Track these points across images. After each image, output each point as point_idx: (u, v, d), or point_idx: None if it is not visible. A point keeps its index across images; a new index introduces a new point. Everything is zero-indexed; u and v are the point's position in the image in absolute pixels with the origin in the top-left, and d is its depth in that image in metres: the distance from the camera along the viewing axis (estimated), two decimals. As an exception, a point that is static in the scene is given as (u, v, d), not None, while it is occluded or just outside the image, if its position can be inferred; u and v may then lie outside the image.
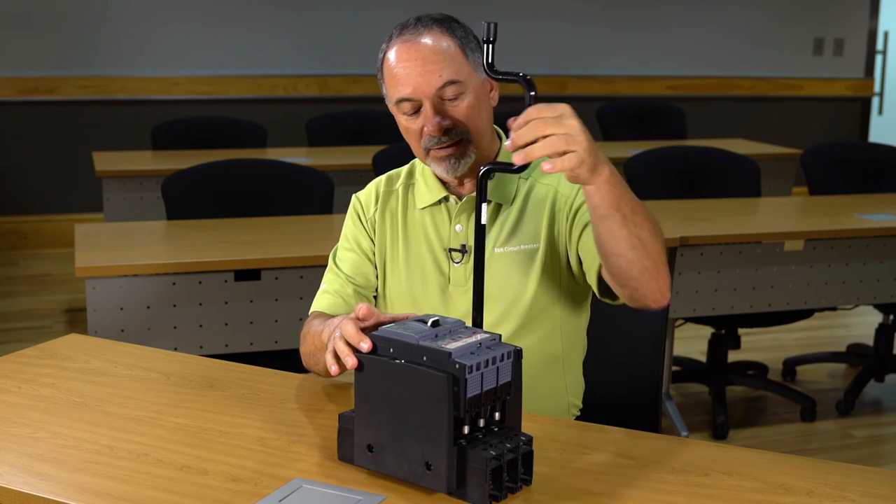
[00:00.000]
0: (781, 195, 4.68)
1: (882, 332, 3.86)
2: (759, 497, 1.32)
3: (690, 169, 3.83)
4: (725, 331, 3.59)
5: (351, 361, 1.33)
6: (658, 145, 4.20)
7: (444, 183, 1.77)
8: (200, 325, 2.68)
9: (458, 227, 1.75)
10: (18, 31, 5.57)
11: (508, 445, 1.28)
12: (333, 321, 1.57)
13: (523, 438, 1.31)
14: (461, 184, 1.75)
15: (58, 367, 1.76)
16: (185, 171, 3.21)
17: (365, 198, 1.85)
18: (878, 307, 3.84)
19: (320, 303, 1.79)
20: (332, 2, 6.05)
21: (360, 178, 2.45)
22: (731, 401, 3.65)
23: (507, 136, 1.35)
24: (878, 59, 7.37)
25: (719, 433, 3.39)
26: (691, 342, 4.08)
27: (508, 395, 1.32)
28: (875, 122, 7.37)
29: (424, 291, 1.77)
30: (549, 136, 1.31)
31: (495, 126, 1.77)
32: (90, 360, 1.81)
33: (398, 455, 1.29)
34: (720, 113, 6.85)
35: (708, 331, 3.68)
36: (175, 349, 2.29)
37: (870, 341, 3.98)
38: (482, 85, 1.68)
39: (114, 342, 1.95)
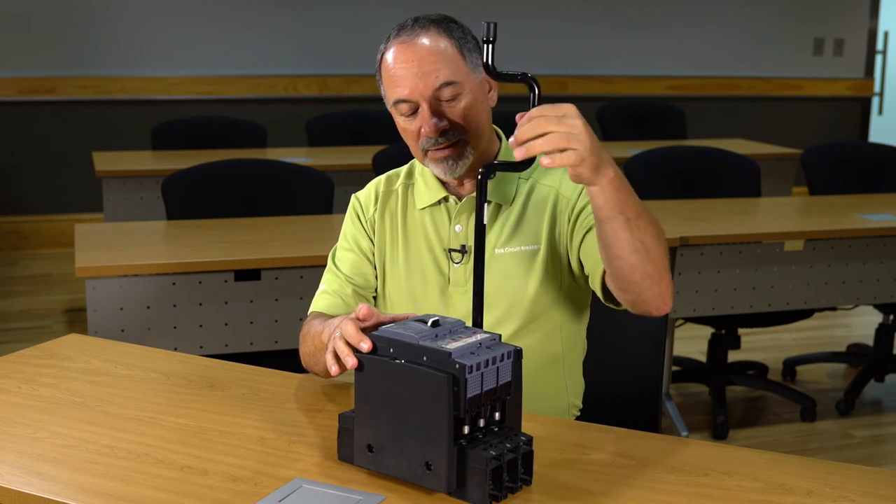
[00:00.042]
0: (781, 195, 4.68)
1: (882, 332, 3.86)
2: (759, 497, 1.32)
3: (690, 169, 3.83)
4: (725, 331, 3.59)
5: (351, 361, 1.33)
6: (658, 145, 4.20)
7: (443, 183, 1.76)
8: (200, 325, 2.68)
9: (457, 227, 1.75)
10: (18, 31, 5.58)
11: (508, 445, 1.28)
12: (333, 321, 1.57)
13: (523, 438, 1.30)
14: (461, 184, 1.75)
15: (58, 367, 1.76)
16: (185, 171, 3.21)
17: (364, 198, 1.85)
18: (878, 307, 3.84)
19: (319, 303, 1.79)
20: (332, 2, 6.05)
21: (360, 178, 2.44)
22: (731, 401, 3.65)
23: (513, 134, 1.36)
24: (878, 59, 7.37)
25: (719, 433, 3.39)
26: (691, 342, 4.08)
27: (508, 395, 1.32)
28: (875, 122, 7.37)
29: (424, 292, 1.77)
30: (551, 132, 1.31)
31: (495, 126, 1.77)
32: (90, 360, 1.81)
33: (398, 455, 1.29)
34: (720, 113, 6.85)
35: (708, 331, 3.68)
36: (175, 349, 2.29)
37: (870, 341, 3.98)
38: (480, 85, 1.68)
39: (114, 342, 1.95)
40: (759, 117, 6.97)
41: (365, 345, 1.32)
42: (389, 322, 1.38)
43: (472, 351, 1.27)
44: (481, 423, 1.30)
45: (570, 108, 1.34)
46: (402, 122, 1.69)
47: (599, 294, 1.65)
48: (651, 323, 1.99)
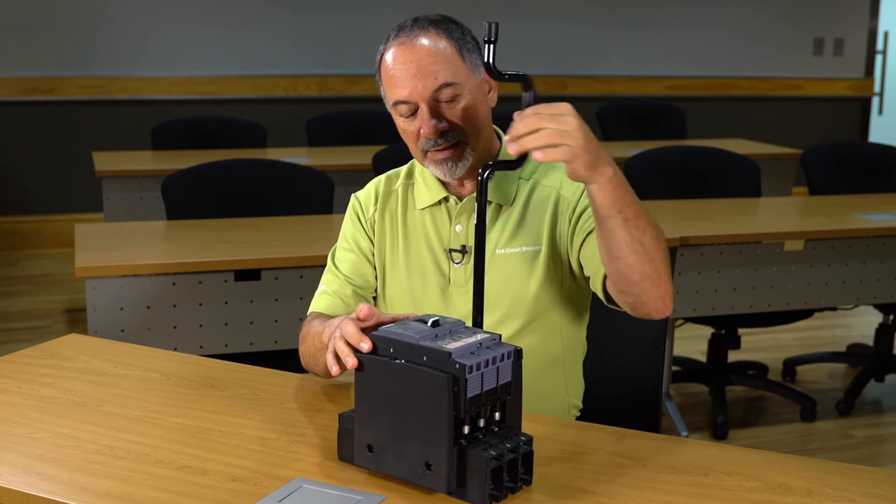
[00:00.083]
0: (781, 195, 4.68)
1: (882, 332, 3.86)
2: (759, 497, 1.32)
3: (690, 169, 3.83)
4: (725, 331, 3.59)
5: (351, 361, 1.33)
6: (658, 145, 4.20)
7: (444, 183, 1.76)
8: (200, 325, 2.68)
9: (458, 227, 1.75)
10: (18, 31, 5.58)
11: (508, 445, 1.28)
12: (334, 322, 1.57)
13: (523, 438, 1.30)
14: (461, 184, 1.75)
15: (58, 367, 1.76)
16: (185, 171, 3.21)
17: (364, 198, 1.85)
18: (878, 307, 3.84)
19: (319, 303, 1.79)
20: (332, 2, 6.05)
21: (360, 178, 2.44)
22: (731, 401, 3.65)
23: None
24: (878, 59, 7.37)
25: (719, 433, 3.39)
26: (691, 342, 4.08)
27: (508, 395, 1.32)
28: (875, 122, 7.37)
29: (425, 292, 1.77)
30: (543, 129, 1.32)
31: (495, 126, 1.77)
32: (90, 360, 1.81)
33: (398, 455, 1.29)
34: (720, 113, 6.85)
35: (708, 331, 3.68)
36: (175, 349, 2.29)
37: (870, 341, 3.98)
38: (479, 86, 1.68)
39: (114, 342, 1.95)
40: (759, 117, 6.97)
41: (365, 345, 1.32)
42: (390, 322, 1.38)
43: (472, 351, 1.27)
44: (481, 423, 1.30)
45: (565, 107, 1.35)
46: (401, 123, 1.69)
47: (601, 296, 1.65)
48: (651, 323, 1.98)
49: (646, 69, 6.69)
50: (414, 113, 1.65)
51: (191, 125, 4.87)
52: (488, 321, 1.67)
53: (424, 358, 1.26)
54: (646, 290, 1.50)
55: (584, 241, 1.67)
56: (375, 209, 1.82)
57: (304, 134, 5.05)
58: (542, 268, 1.72)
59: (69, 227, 3.91)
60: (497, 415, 1.32)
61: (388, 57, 1.66)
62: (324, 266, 1.85)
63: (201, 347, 2.67)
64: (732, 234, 3.14)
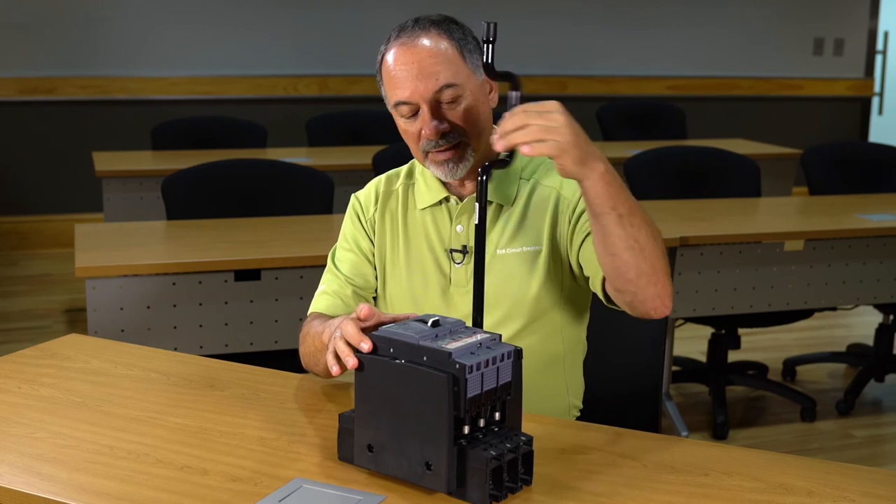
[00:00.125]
0: (781, 195, 4.68)
1: (882, 332, 3.86)
2: (759, 497, 1.32)
3: (690, 169, 3.83)
4: (725, 331, 3.59)
5: (351, 361, 1.33)
6: (658, 145, 4.20)
7: (444, 183, 1.76)
8: (200, 325, 2.68)
9: (458, 227, 1.75)
10: (18, 31, 5.57)
11: (508, 445, 1.28)
12: (334, 322, 1.57)
13: (523, 438, 1.30)
14: (462, 184, 1.75)
15: (58, 367, 1.76)
16: (185, 171, 3.22)
17: (364, 198, 1.85)
18: (878, 307, 3.84)
19: (319, 304, 1.79)
20: (332, 2, 6.05)
21: (360, 178, 2.44)
22: (731, 401, 3.65)
23: None
24: (878, 59, 7.37)
25: (719, 433, 3.39)
26: (691, 342, 4.08)
27: (508, 395, 1.32)
28: (875, 122, 7.37)
29: (425, 292, 1.77)
30: (530, 125, 1.34)
31: (495, 127, 1.76)
32: (90, 360, 1.81)
33: (398, 455, 1.29)
34: (720, 113, 6.85)
35: (708, 331, 3.68)
36: (175, 349, 2.29)
37: (870, 341, 3.98)
38: (481, 87, 1.68)
39: (114, 342, 1.95)
40: (759, 117, 6.97)
41: (365, 345, 1.32)
42: (390, 322, 1.38)
43: (472, 351, 1.27)
44: (481, 423, 1.30)
45: (553, 105, 1.36)
46: (402, 124, 1.69)
47: (601, 297, 1.65)
48: (651, 323, 1.99)
49: (646, 69, 6.69)
50: (415, 114, 1.65)
51: (191, 125, 4.87)
52: (489, 321, 1.67)
53: (424, 358, 1.26)
54: (642, 288, 1.50)
55: (583, 241, 1.67)
56: (376, 209, 1.82)
57: (304, 134, 5.05)
58: (542, 268, 1.72)
59: (69, 227, 3.91)
60: (497, 415, 1.32)
61: (390, 57, 1.66)
62: (324, 266, 1.85)
63: (201, 347, 2.67)
64: (732, 234, 3.14)
